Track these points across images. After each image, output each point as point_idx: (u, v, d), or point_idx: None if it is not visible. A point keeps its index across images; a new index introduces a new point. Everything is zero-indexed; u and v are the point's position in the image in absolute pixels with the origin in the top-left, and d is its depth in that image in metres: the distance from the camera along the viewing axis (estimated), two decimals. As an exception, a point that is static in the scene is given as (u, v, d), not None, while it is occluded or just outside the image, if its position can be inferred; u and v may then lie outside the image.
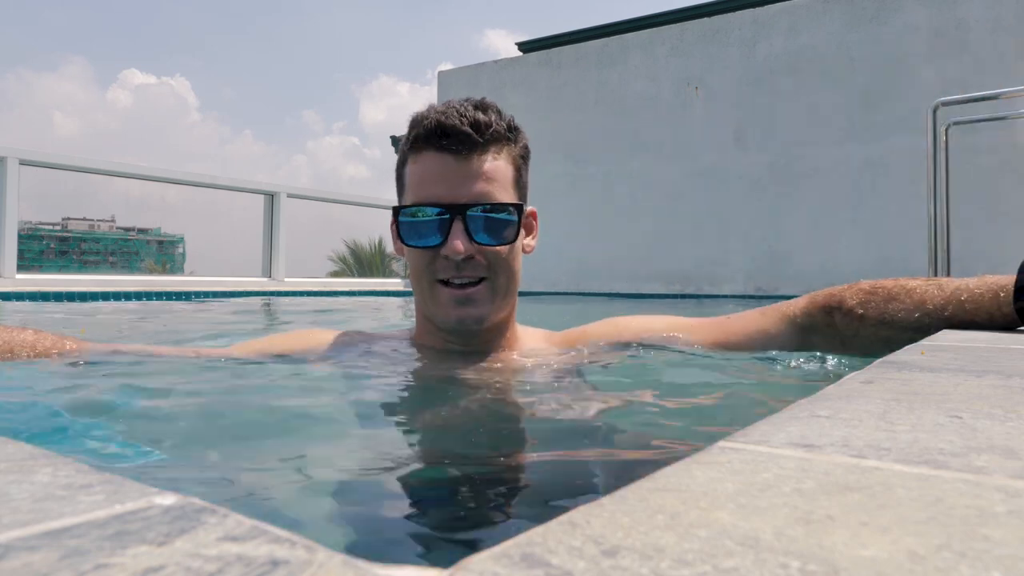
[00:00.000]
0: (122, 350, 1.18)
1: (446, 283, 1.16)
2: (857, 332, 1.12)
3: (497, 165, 1.17)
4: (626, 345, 1.30)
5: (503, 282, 1.18)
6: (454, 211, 1.13)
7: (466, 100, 1.18)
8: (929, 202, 3.54)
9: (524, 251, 1.26)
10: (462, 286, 1.15)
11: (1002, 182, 5.36)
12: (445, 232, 1.13)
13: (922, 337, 1.00)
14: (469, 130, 1.13)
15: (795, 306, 1.22)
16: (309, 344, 1.27)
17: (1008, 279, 1.04)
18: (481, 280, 1.16)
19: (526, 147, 1.25)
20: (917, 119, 5.44)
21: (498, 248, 1.16)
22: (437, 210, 1.14)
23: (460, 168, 1.14)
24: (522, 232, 1.23)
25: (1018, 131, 5.31)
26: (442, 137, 1.14)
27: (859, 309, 1.12)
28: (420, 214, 1.15)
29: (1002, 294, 1.04)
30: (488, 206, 1.14)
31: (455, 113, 1.15)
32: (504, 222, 1.16)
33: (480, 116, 1.15)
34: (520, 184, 1.23)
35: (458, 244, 1.11)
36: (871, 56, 5.86)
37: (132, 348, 1.20)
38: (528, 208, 1.27)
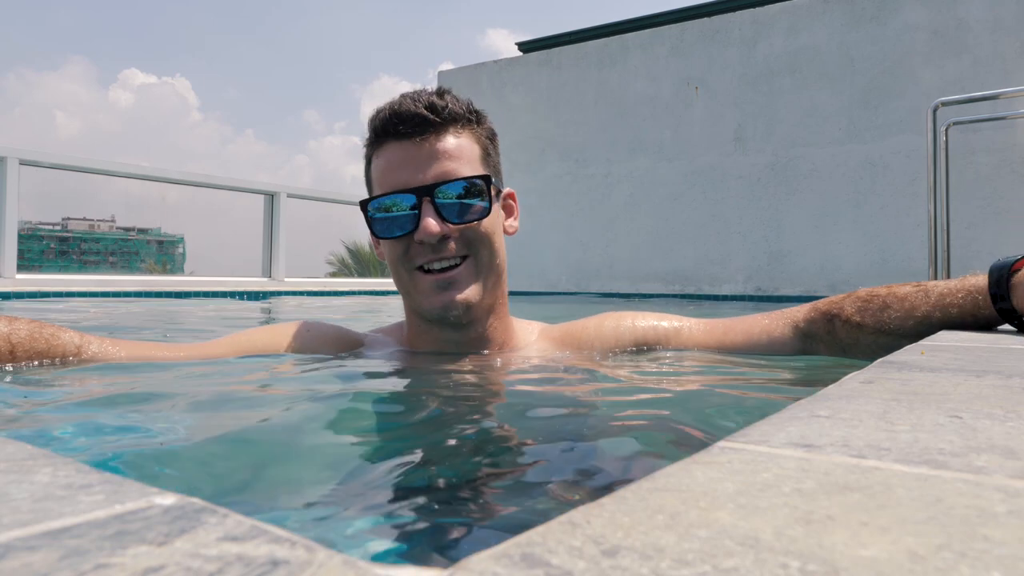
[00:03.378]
0: (120, 352, 1.16)
1: (426, 271, 1.14)
2: (857, 340, 1.13)
3: (460, 143, 1.16)
4: (625, 343, 1.29)
5: (486, 258, 1.17)
6: (420, 193, 1.11)
7: (421, 89, 1.18)
8: (929, 202, 3.54)
9: (506, 232, 1.25)
10: (442, 270, 1.14)
11: (1002, 182, 5.36)
12: (415, 217, 1.11)
13: (912, 341, 1.00)
14: (424, 112, 1.13)
15: (799, 313, 1.22)
16: (305, 341, 1.26)
17: (983, 281, 1.05)
18: (463, 260, 1.15)
19: (492, 131, 1.24)
20: (917, 119, 5.45)
21: (472, 224, 1.14)
22: (403, 196, 1.12)
23: (420, 150, 1.13)
24: (499, 212, 1.22)
25: (1018, 131, 5.31)
26: (399, 123, 1.13)
27: (857, 317, 1.12)
28: (388, 204, 1.14)
29: (980, 297, 1.05)
30: (455, 182, 1.13)
31: (408, 100, 1.15)
32: (474, 196, 1.14)
33: (435, 99, 1.15)
34: (490, 163, 1.21)
35: (431, 225, 1.10)
36: (871, 56, 5.85)
37: (130, 347, 1.19)
38: (505, 189, 1.26)
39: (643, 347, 1.28)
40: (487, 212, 1.16)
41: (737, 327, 1.26)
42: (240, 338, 1.26)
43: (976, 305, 1.05)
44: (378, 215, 1.15)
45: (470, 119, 1.18)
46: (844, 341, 1.15)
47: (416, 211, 1.11)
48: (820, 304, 1.19)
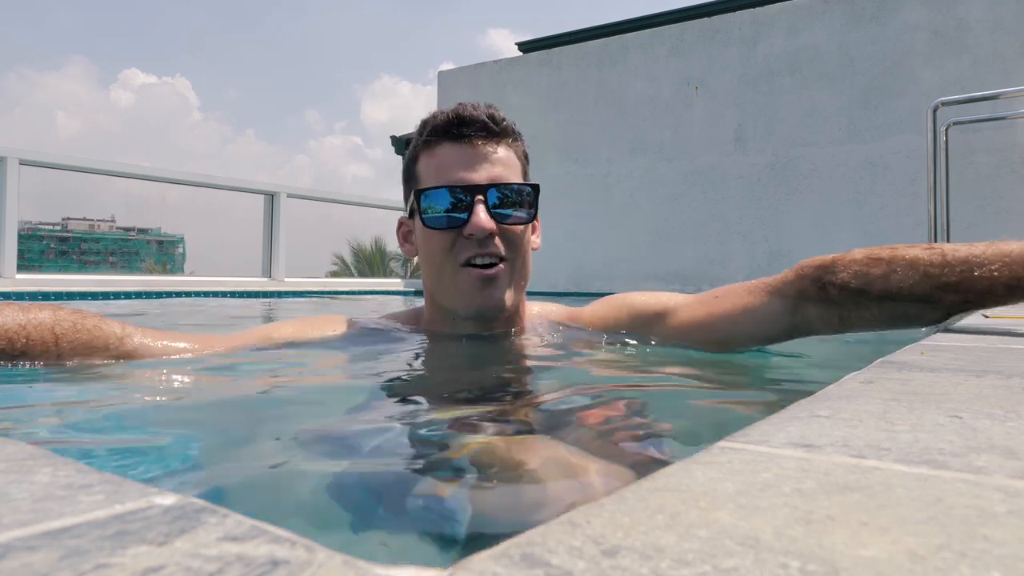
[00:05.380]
0: (161, 346, 1.14)
1: (468, 266, 1.20)
2: (858, 305, 1.07)
3: (509, 155, 1.25)
4: (623, 323, 1.33)
5: (520, 266, 1.24)
6: (475, 190, 1.18)
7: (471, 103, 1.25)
8: (929, 202, 3.54)
9: (532, 247, 1.31)
10: (484, 267, 1.20)
11: (1002, 182, 5.35)
12: (467, 211, 1.18)
13: (929, 308, 0.99)
14: (485, 119, 1.21)
15: (782, 279, 1.16)
16: (311, 335, 1.29)
17: (1019, 245, 1.02)
18: (501, 261, 1.21)
19: (526, 152, 1.33)
20: (917, 119, 5.45)
21: (517, 228, 1.22)
22: (459, 190, 1.19)
23: (478, 154, 1.21)
24: (535, 224, 1.30)
25: (1018, 131, 5.31)
26: (460, 126, 1.21)
27: (854, 282, 1.05)
28: (442, 196, 1.19)
29: (1006, 260, 1.01)
30: (508, 184, 1.21)
31: (469, 107, 1.23)
32: (522, 201, 1.23)
33: (493, 111, 1.24)
34: (527, 178, 1.30)
35: (484, 219, 1.16)
36: (871, 56, 5.85)
37: (170, 339, 1.16)
38: None
39: (640, 324, 1.31)
40: (531, 218, 1.25)
41: (719, 307, 1.22)
42: (257, 332, 1.28)
43: (1011, 271, 1.00)
44: (430, 206, 1.21)
45: (516, 137, 1.28)
46: (841, 308, 1.08)
47: (468, 207, 1.18)
48: (807, 267, 1.12)
